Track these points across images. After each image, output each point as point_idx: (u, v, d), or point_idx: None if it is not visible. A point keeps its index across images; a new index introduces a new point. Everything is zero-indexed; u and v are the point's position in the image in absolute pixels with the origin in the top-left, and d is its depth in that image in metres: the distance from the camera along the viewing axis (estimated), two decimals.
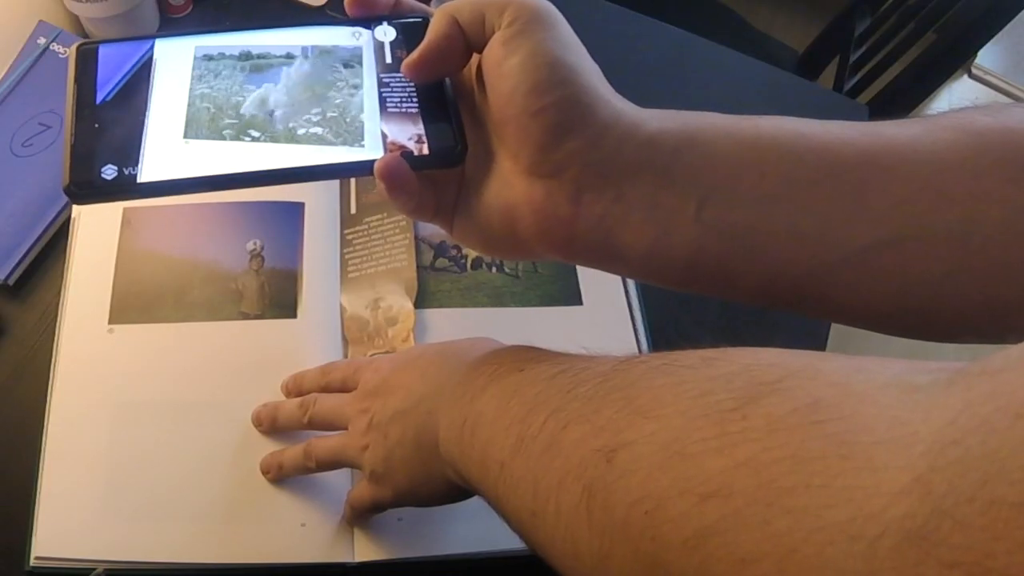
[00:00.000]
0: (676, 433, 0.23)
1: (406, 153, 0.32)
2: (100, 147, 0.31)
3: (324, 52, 0.34)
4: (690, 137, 0.31)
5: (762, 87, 0.65)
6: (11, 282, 0.53)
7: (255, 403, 0.48)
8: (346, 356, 0.51)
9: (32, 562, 0.44)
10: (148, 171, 0.30)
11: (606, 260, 0.33)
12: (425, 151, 0.33)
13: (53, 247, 0.55)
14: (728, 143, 0.30)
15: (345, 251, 0.54)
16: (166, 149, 0.31)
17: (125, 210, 0.53)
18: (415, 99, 0.33)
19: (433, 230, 0.54)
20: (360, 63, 0.34)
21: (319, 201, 0.55)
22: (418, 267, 0.53)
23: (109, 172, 0.30)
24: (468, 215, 0.34)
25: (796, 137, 0.30)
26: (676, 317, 0.55)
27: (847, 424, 0.19)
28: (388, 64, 0.34)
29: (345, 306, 0.53)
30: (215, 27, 0.34)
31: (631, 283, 0.55)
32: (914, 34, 0.95)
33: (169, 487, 0.46)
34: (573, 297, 0.54)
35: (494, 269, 0.54)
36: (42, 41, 0.59)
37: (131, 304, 0.51)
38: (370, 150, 0.32)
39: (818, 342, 0.56)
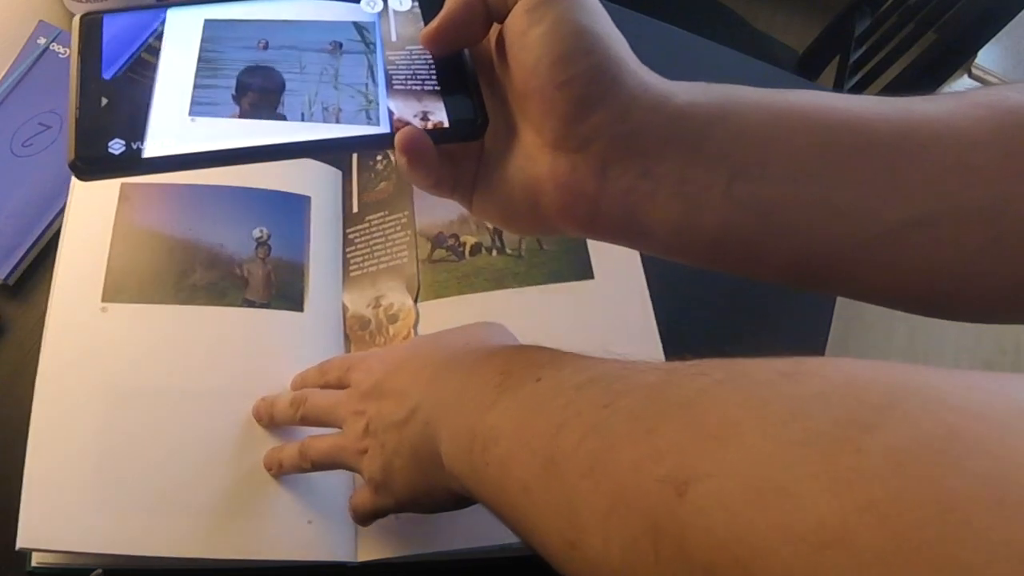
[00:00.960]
0: (768, 464, 0.19)
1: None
2: (106, 121, 0.29)
3: (334, 25, 0.33)
4: (720, 110, 0.30)
5: (762, 87, 0.65)
6: (11, 282, 0.53)
7: (258, 394, 0.47)
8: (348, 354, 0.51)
9: (35, 561, 0.43)
10: (155, 146, 0.29)
11: (631, 236, 0.32)
12: (443, 125, 0.32)
13: (53, 247, 0.55)
14: (759, 117, 0.29)
15: (347, 250, 0.54)
16: (172, 123, 0.30)
17: (123, 185, 0.51)
18: (422, 74, 0.32)
19: (430, 223, 0.54)
20: (369, 37, 0.33)
21: (324, 197, 0.55)
22: (417, 262, 0.53)
23: (116, 147, 0.29)
24: (488, 190, 0.33)
25: (828, 112, 0.29)
26: (681, 297, 0.54)
27: (996, 463, 0.16)
28: (395, 39, 0.33)
29: (347, 305, 0.52)
30: None
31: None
32: (914, 34, 0.95)
33: (166, 479, 0.44)
34: (583, 271, 0.52)
35: (494, 252, 0.53)
36: (42, 41, 0.59)
37: (127, 282, 0.49)
38: (378, 125, 0.31)
39: (821, 325, 0.55)
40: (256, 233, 0.52)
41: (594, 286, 0.51)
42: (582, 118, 0.29)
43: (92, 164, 0.29)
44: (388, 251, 0.53)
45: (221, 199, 0.53)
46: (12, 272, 0.53)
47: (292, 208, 0.53)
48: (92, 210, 0.51)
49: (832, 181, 0.29)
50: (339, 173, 0.57)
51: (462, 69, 0.33)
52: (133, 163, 0.29)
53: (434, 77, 0.32)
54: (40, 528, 0.42)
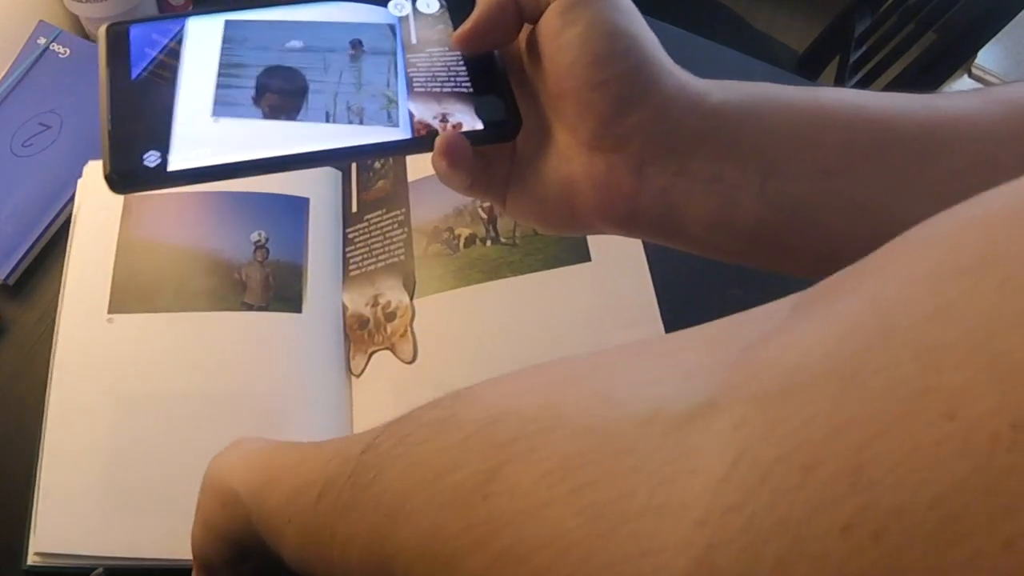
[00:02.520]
0: (428, 534, 0.20)
1: (465, 130, 0.31)
2: (140, 133, 0.29)
3: (355, 28, 0.33)
4: (753, 109, 0.30)
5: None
6: (11, 282, 0.54)
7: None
8: (348, 353, 0.51)
9: (31, 559, 0.43)
10: (191, 156, 0.29)
11: (667, 234, 0.32)
12: (477, 127, 0.32)
13: (53, 247, 0.55)
14: (789, 115, 0.30)
15: (347, 249, 0.54)
16: (206, 132, 0.30)
17: (126, 198, 0.53)
18: (448, 76, 0.32)
19: (426, 218, 0.54)
20: (390, 40, 0.33)
21: (323, 198, 0.55)
22: (414, 258, 0.53)
23: (152, 159, 0.29)
24: (522, 191, 0.33)
25: (855, 109, 0.30)
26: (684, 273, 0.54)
27: (606, 490, 0.16)
28: (420, 42, 0.33)
29: (347, 304, 0.52)
30: (246, 2, 0.32)
31: None
32: (914, 34, 0.95)
33: (172, 481, 0.45)
34: (580, 254, 0.51)
35: (488, 242, 0.52)
36: (42, 41, 0.59)
37: (131, 293, 0.50)
38: (401, 130, 0.31)
39: None
40: (254, 237, 0.52)
41: (592, 268, 0.51)
42: (619, 118, 0.29)
43: (128, 177, 0.29)
44: (386, 249, 0.53)
45: (220, 205, 0.53)
46: (12, 272, 0.53)
47: (291, 210, 0.54)
48: (97, 224, 0.52)
49: (858, 179, 0.29)
50: (338, 174, 0.57)
51: (494, 71, 0.33)
52: (169, 175, 0.29)
53: (460, 79, 0.32)
54: (55, 535, 0.43)
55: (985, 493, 0.11)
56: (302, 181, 0.55)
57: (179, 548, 0.43)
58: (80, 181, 0.54)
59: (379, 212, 0.55)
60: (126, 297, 0.50)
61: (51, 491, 0.44)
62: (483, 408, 0.21)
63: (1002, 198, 0.15)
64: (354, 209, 0.56)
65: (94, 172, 0.54)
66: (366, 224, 0.55)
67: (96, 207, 0.53)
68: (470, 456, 0.19)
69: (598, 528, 0.15)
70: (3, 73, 0.58)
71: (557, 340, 0.49)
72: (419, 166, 0.55)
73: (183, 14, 0.32)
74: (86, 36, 0.61)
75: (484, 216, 0.53)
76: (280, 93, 0.31)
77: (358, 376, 0.50)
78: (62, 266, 0.54)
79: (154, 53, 0.31)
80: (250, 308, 0.50)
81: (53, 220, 0.55)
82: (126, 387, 0.48)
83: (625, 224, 0.31)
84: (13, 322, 0.53)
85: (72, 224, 0.53)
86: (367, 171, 0.57)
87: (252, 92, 0.30)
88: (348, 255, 0.54)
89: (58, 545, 0.43)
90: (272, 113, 0.30)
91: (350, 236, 0.55)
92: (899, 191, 0.29)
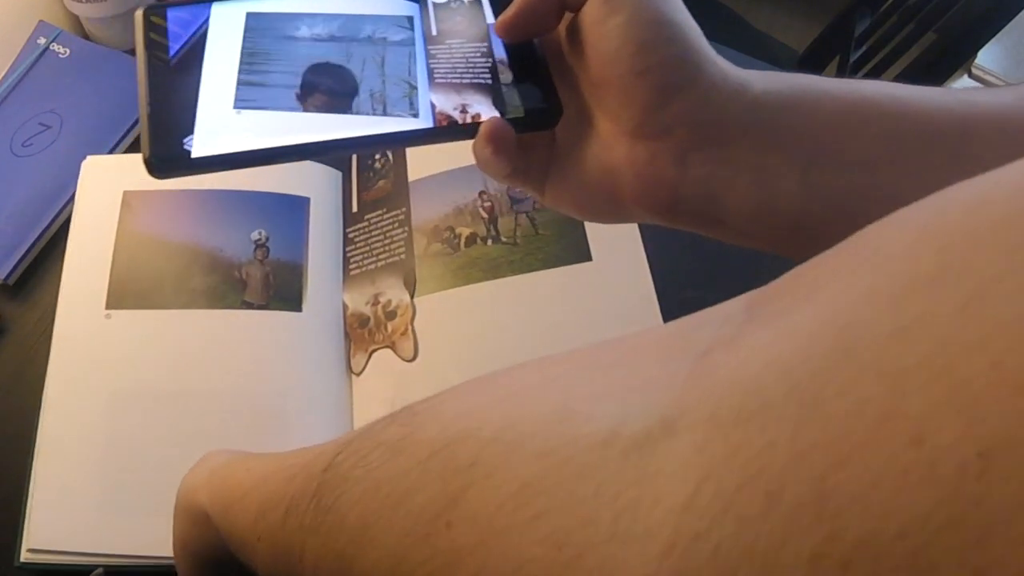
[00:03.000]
0: (392, 562, 0.19)
1: (508, 118, 0.31)
2: (180, 117, 0.29)
3: (378, 18, 0.33)
4: (795, 99, 0.30)
5: None
6: (11, 282, 0.54)
7: (259, 394, 0.47)
8: (348, 352, 0.51)
9: (23, 556, 0.43)
10: (231, 141, 0.28)
11: (708, 223, 0.32)
12: (520, 114, 0.31)
13: (53, 247, 0.55)
14: (832, 106, 0.30)
15: (348, 249, 0.54)
16: (227, 117, 0.29)
17: (125, 193, 0.53)
18: (462, 69, 0.32)
19: (426, 217, 0.54)
20: (411, 31, 0.33)
21: (323, 198, 0.55)
22: (414, 257, 0.53)
23: (191, 143, 0.28)
24: (562, 179, 0.33)
25: (896, 102, 0.29)
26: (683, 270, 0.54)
27: (567, 516, 0.15)
28: (436, 33, 0.33)
29: (347, 303, 0.52)
30: None
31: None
32: (914, 34, 0.94)
33: (169, 480, 0.43)
34: (581, 254, 0.51)
35: (489, 242, 0.53)
36: (42, 41, 0.59)
37: (129, 289, 0.50)
38: (423, 120, 0.31)
39: None
40: (255, 236, 0.52)
41: (592, 268, 0.51)
42: (663, 106, 0.29)
43: (167, 162, 0.28)
44: (387, 248, 0.53)
45: (220, 203, 0.53)
46: (12, 272, 0.53)
47: (291, 209, 0.54)
48: (96, 219, 0.52)
49: (898, 171, 0.29)
50: (339, 174, 0.57)
51: (534, 58, 0.33)
52: (210, 159, 0.28)
53: (492, 68, 0.32)
54: (48, 531, 0.42)
55: (953, 524, 0.11)
56: (302, 181, 0.55)
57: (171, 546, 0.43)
58: (80, 176, 0.54)
59: (379, 212, 0.55)
60: (124, 293, 0.50)
61: (45, 487, 0.44)
62: (440, 428, 0.20)
63: (958, 205, 0.14)
64: (354, 209, 0.56)
65: (92, 167, 0.54)
66: (366, 224, 0.55)
67: (94, 202, 0.53)
68: (429, 480, 0.19)
69: (561, 557, 0.15)
70: (3, 73, 0.58)
71: (557, 339, 0.48)
72: (420, 166, 0.55)
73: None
74: (86, 36, 0.61)
75: (485, 216, 0.53)
76: (316, 84, 0.31)
77: (358, 374, 0.50)
78: (62, 265, 0.54)
79: (189, 36, 0.31)
80: (250, 307, 0.50)
81: (53, 220, 0.55)
82: (123, 383, 0.47)
83: (666, 213, 0.31)
84: (13, 322, 0.53)
85: (72, 217, 0.53)
86: (367, 171, 0.57)
87: (289, 80, 0.31)
88: (348, 254, 0.54)
89: (51, 542, 0.43)
90: (302, 102, 0.30)
91: (350, 236, 0.55)
92: (938, 184, 0.28)
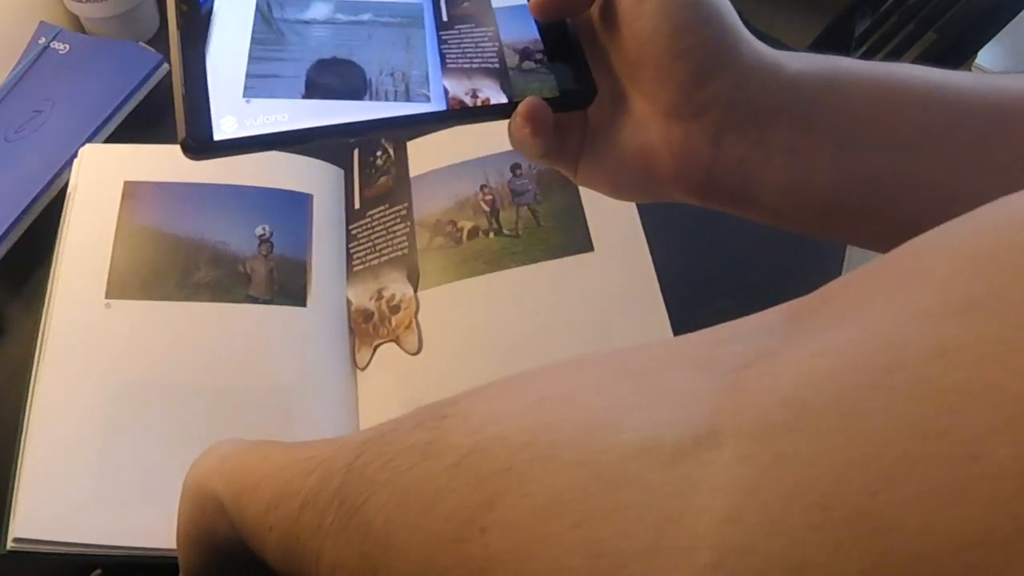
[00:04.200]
0: (421, 569, 0.19)
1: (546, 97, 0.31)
2: (215, 97, 0.28)
3: (386, 3, 0.33)
4: (829, 81, 0.30)
5: None
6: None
7: (263, 389, 0.47)
8: (353, 347, 0.51)
9: (8, 545, 0.41)
10: (265, 121, 0.28)
11: (741, 203, 0.32)
12: (556, 93, 0.31)
13: (51, 239, 0.54)
14: (864, 88, 0.30)
15: (351, 245, 0.54)
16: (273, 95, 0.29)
17: (127, 183, 0.52)
18: (472, 54, 0.33)
19: (428, 212, 0.54)
20: (422, 16, 0.33)
21: (325, 195, 0.55)
22: (417, 251, 0.53)
23: (230, 124, 0.28)
24: (596, 158, 0.33)
25: (928, 86, 0.29)
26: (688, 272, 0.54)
27: (607, 527, 0.15)
28: (447, 19, 0.33)
29: (351, 299, 0.52)
30: None
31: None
32: (914, 34, 0.95)
33: (168, 472, 0.42)
34: (583, 244, 0.51)
35: (492, 234, 0.53)
36: (43, 41, 0.59)
37: (130, 279, 0.49)
38: (435, 103, 0.31)
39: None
40: (259, 231, 0.52)
41: (594, 258, 0.51)
42: (700, 87, 0.29)
43: (204, 143, 0.28)
44: (389, 243, 0.53)
45: (224, 197, 0.53)
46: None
47: (294, 206, 0.54)
48: (95, 206, 0.51)
49: (929, 155, 0.29)
50: (341, 172, 0.57)
51: (567, 38, 0.33)
52: (246, 140, 0.28)
53: (473, 61, 0.32)
54: (37, 520, 0.41)
55: (1012, 540, 0.11)
56: (305, 177, 0.55)
57: (170, 539, 0.40)
58: (76, 162, 0.53)
59: (382, 207, 0.55)
60: (125, 283, 0.49)
61: (34, 475, 0.42)
62: (470, 431, 0.19)
63: (999, 225, 0.15)
64: (356, 205, 0.56)
65: (91, 155, 0.53)
66: (369, 220, 0.55)
67: (94, 191, 0.52)
68: (460, 486, 0.18)
69: (601, 567, 0.15)
70: (4, 74, 0.58)
71: (561, 329, 0.48)
72: (421, 161, 0.56)
73: None
74: (86, 36, 0.62)
75: (486, 208, 0.53)
76: (335, 67, 0.31)
77: (363, 369, 0.50)
78: (55, 253, 0.53)
79: (222, 14, 0.30)
80: (255, 301, 0.50)
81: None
82: (123, 374, 0.46)
83: (700, 192, 0.31)
84: (13, 322, 0.53)
85: (67, 205, 0.52)
86: (369, 168, 0.57)
87: (305, 64, 0.30)
88: (352, 250, 0.54)
89: (39, 531, 0.41)
90: (327, 86, 0.30)
91: (353, 232, 0.55)
92: (969, 169, 0.29)
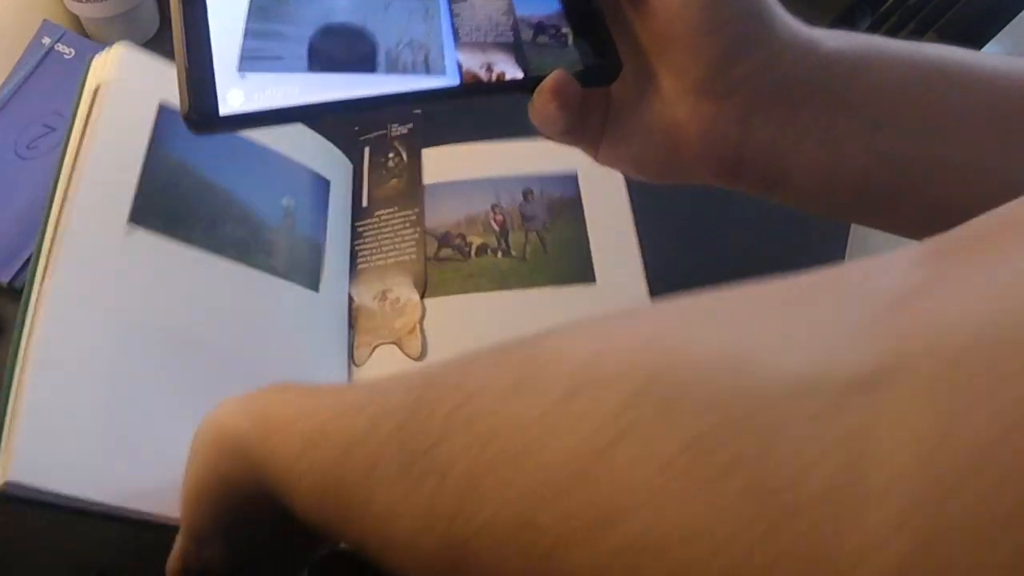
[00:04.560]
0: (516, 521, 0.17)
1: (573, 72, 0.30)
2: (220, 69, 0.27)
3: None
4: (863, 61, 0.29)
5: None
6: (17, 285, 0.53)
7: (264, 363, 0.44)
8: (352, 344, 0.51)
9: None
10: (274, 95, 0.27)
11: (771, 186, 0.31)
12: (579, 68, 0.30)
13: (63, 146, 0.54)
14: (899, 69, 0.29)
15: (356, 242, 0.55)
16: (281, 68, 0.28)
17: (162, 105, 0.46)
18: (487, 27, 0.31)
19: (438, 222, 0.55)
20: None
21: (340, 186, 0.55)
22: (424, 259, 0.54)
23: (236, 97, 0.27)
24: (619, 137, 0.32)
25: (961, 68, 0.29)
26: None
27: (768, 474, 0.13)
28: None
29: (353, 296, 0.53)
30: None
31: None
32: (914, 34, 0.95)
33: (172, 431, 0.38)
34: (586, 275, 0.52)
35: (499, 254, 0.53)
36: (46, 41, 0.58)
37: (157, 208, 0.43)
38: (449, 78, 0.30)
39: None
40: (285, 202, 0.50)
41: (596, 290, 0.52)
42: (732, 64, 0.28)
43: (209, 118, 0.27)
44: (397, 247, 0.54)
45: (256, 157, 0.50)
46: (18, 275, 0.53)
47: (316, 188, 0.53)
48: (127, 114, 0.45)
49: (962, 138, 0.28)
50: (350, 166, 0.57)
51: (591, 13, 0.31)
52: (253, 115, 0.27)
53: (487, 35, 0.31)
54: (34, 463, 0.35)
55: None
56: (326, 162, 0.54)
57: (172, 506, 0.36)
58: (104, 57, 0.45)
59: (391, 210, 0.55)
60: (151, 210, 0.43)
61: (34, 413, 0.35)
62: (573, 368, 0.17)
63: None
64: (364, 204, 0.56)
65: (126, 57, 0.45)
66: (376, 220, 0.55)
67: (127, 97, 0.44)
68: (563, 431, 0.16)
69: (762, 520, 0.13)
70: (7, 73, 0.58)
71: None
72: (434, 171, 0.56)
73: None
74: (86, 36, 0.61)
75: (496, 228, 0.54)
76: (341, 37, 0.29)
77: (359, 366, 0.51)
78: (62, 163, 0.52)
79: None
80: (275, 273, 0.48)
81: None
82: (135, 314, 0.41)
83: (729, 174, 0.30)
84: (13, 322, 0.52)
85: (90, 101, 0.44)
86: (380, 168, 0.57)
87: (310, 35, 0.29)
88: (356, 248, 0.55)
89: (34, 476, 0.34)
90: (339, 58, 0.29)
91: (359, 230, 0.55)
92: (1004, 153, 0.28)
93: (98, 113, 0.43)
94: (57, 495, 0.35)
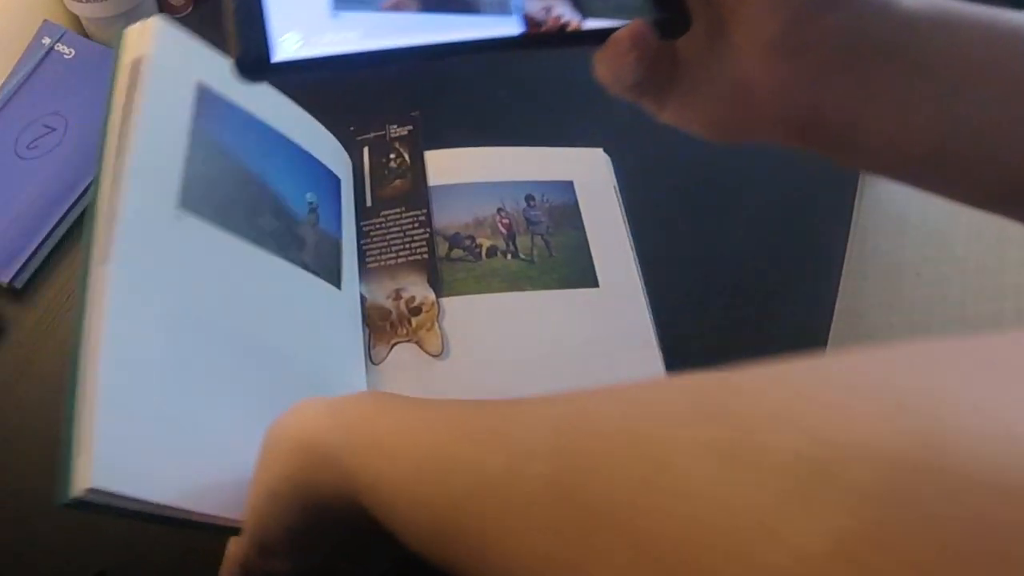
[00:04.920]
0: None
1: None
2: (271, 13, 0.26)
3: None
4: (943, 24, 0.28)
5: None
6: (17, 285, 0.52)
7: (290, 358, 0.44)
8: (369, 344, 0.52)
9: (78, 493, 0.31)
10: (330, 41, 0.26)
11: (842, 149, 0.30)
12: (649, 21, 0.29)
13: (58, 249, 0.54)
14: (975, 33, 0.28)
15: (362, 242, 0.55)
16: (330, 16, 0.27)
17: (199, 85, 0.43)
18: None
19: (447, 223, 0.55)
20: None
21: (347, 183, 0.55)
22: (436, 258, 0.54)
23: (292, 42, 0.26)
24: (687, 94, 0.31)
25: None
26: (681, 310, 0.56)
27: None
28: None
29: (365, 295, 0.53)
30: None
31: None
32: (989, 1, 0.96)
33: (232, 427, 0.37)
34: (589, 280, 0.54)
35: (508, 256, 0.55)
36: (47, 40, 0.57)
37: (204, 195, 0.41)
38: (515, 26, 0.29)
39: (820, 328, 0.56)
40: (309, 197, 0.50)
41: (598, 294, 0.53)
42: (810, 22, 0.27)
43: (261, 64, 0.26)
44: (407, 246, 0.55)
45: (283, 149, 0.49)
46: (18, 275, 0.52)
47: (331, 184, 0.53)
48: (170, 91, 0.42)
49: None
50: (351, 164, 0.57)
51: None
52: (301, 63, 0.26)
53: None
54: (115, 467, 0.31)
55: None
56: (335, 160, 0.54)
57: (238, 507, 0.34)
58: (136, 29, 0.42)
59: (398, 210, 0.56)
60: (198, 197, 0.40)
61: (111, 415, 0.32)
62: (806, 434, 0.13)
63: None
64: (368, 203, 0.56)
65: (161, 29, 0.42)
66: (383, 219, 0.56)
67: (167, 73, 0.42)
68: (797, 530, 0.13)
69: None
70: (7, 73, 0.57)
71: (571, 358, 0.50)
72: (439, 172, 0.57)
73: None
74: (86, 36, 0.61)
75: (504, 232, 0.56)
76: None
77: (377, 364, 0.51)
78: (64, 268, 0.53)
79: None
80: (307, 269, 0.47)
81: (59, 223, 0.54)
82: (192, 306, 0.39)
83: (799, 135, 0.30)
84: (14, 323, 0.52)
85: (130, 76, 0.40)
86: (381, 169, 0.58)
87: None
88: (363, 247, 0.55)
89: (116, 482, 0.31)
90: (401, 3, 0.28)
91: (364, 229, 0.56)
92: None
93: (140, 88, 0.40)
94: (141, 501, 0.32)
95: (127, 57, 0.41)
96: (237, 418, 0.38)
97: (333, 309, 0.49)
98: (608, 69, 0.30)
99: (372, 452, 0.25)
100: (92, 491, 0.30)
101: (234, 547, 0.33)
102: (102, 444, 0.31)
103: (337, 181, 0.54)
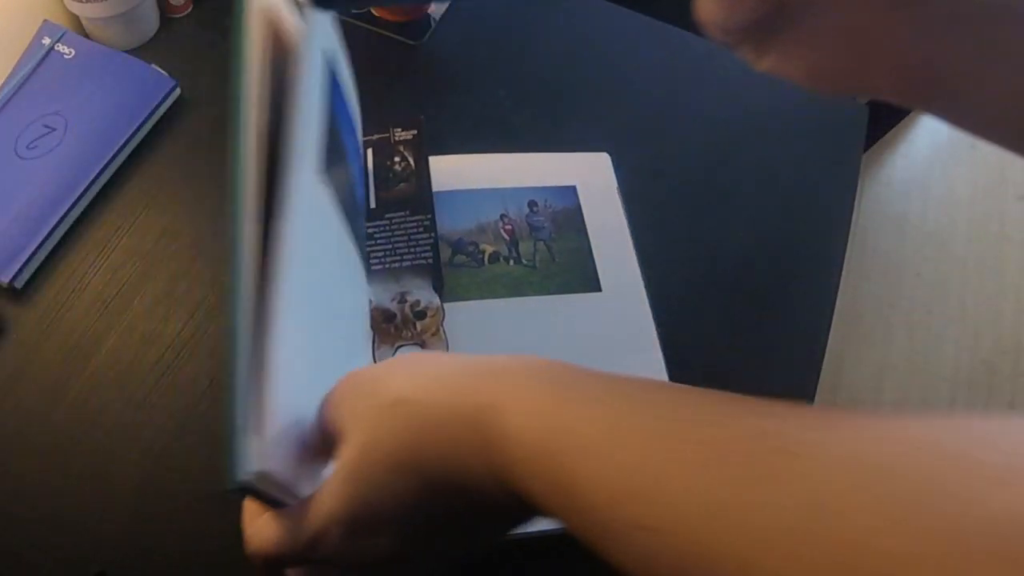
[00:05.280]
0: None
1: None
2: None
3: None
4: None
5: (762, 87, 0.66)
6: (18, 285, 0.52)
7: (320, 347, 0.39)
8: (374, 346, 0.52)
9: (246, 477, 0.27)
10: None
11: (954, 110, 0.29)
12: None
13: (58, 249, 0.54)
14: None
15: (367, 244, 0.55)
16: None
17: (324, 54, 0.40)
18: None
19: (450, 228, 0.55)
20: None
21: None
22: (440, 263, 0.54)
23: None
24: (793, 42, 0.29)
25: None
26: (681, 315, 0.56)
27: None
28: None
29: (370, 297, 0.53)
30: None
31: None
32: None
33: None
34: (592, 284, 0.55)
35: (511, 262, 0.55)
36: (47, 41, 0.57)
37: (329, 164, 0.39)
38: None
39: (820, 331, 0.56)
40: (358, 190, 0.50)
41: (600, 298, 0.54)
42: None
43: None
44: (412, 250, 0.55)
45: (352, 128, 0.49)
46: (18, 275, 0.52)
47: (359, 178, 0.53)
48: (315, 69, 0.38)
49: None
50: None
51: None
52: None
53: None
54: (275, 456, 0.29)
55: None
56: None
57: None
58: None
59: (402, 213, 0.56)
60: (328, 165, 0.39)
61: (282, 394, 0.29)
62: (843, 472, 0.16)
63: None
64: (372, 205, 0.56)
65: None
66: (387, 222, 0.56)
67: (311, 43, 0.37)
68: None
69: None
70: (7, 73, 0.57)
71: (571, 361, 0.48)
72: (442, 177, 0.56)
73: None
74: (86, 36, 0.61)
75: (506, 237, 0.56)
76: None
77: None
78: (66, 269, 0.53)
79: None
80: (360, 256, 0.48)
81: (59, 222, 0.53)
82: (320, 273, 0.37)
83: (912, 91, 0.28)
84: (14, 322, 0.51)
85: (257, 28, 0.34)
86: (386, 172, 0.57)
87: None
88: (368, 249, 0.55)
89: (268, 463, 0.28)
90: None
91: (369, 231, 0.55)
92: None
93: (279, 41, 0.36)
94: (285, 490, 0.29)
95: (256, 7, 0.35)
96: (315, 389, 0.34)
97: (359, 304, 0.50)
98: (710, 8, 0.28)
99: (576, 455, 0.23)
100: (260, 475, 0.27)
101: (271, 531, 0.30)
102: (275, 425, 0.28)
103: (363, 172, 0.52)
